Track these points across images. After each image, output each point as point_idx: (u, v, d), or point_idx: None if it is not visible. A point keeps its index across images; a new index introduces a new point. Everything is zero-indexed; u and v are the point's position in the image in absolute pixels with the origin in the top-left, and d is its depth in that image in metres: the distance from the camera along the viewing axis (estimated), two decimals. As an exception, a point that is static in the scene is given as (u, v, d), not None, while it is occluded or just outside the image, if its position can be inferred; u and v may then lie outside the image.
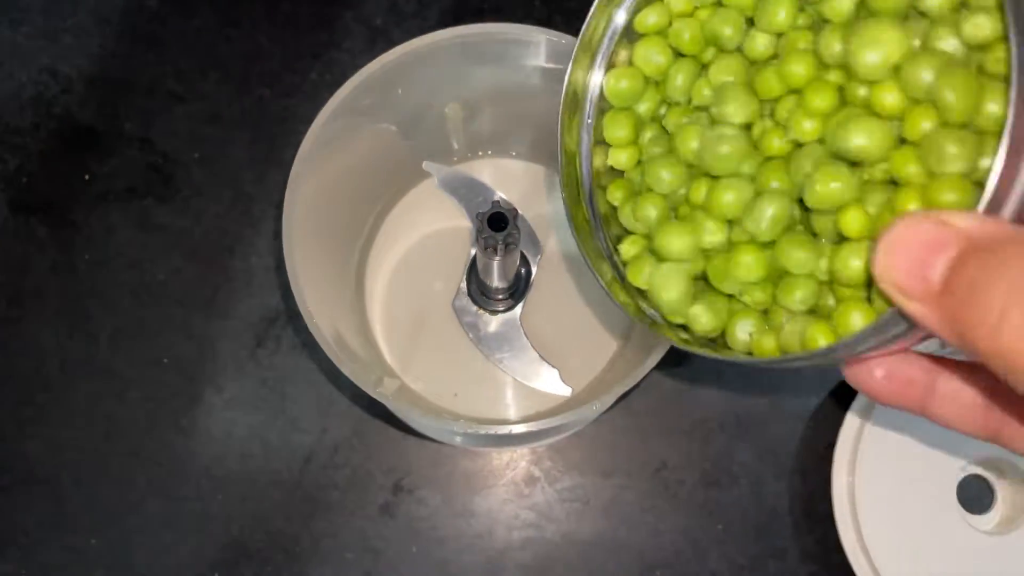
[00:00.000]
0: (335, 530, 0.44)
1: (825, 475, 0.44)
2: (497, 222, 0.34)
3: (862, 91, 0.23)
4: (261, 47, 0.49)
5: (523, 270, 0.44)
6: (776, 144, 0.25)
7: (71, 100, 0.48)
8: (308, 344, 0.45)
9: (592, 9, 0.27)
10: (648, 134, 0.28)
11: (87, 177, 0.48)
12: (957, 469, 0.43)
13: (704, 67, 0.27)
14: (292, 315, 0.46)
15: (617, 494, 0.44)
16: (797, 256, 0.24)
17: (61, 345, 0.46)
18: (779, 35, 0.25)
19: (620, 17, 0.28)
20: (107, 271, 0.47)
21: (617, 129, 0.28)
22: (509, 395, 0.44)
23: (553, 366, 0.43)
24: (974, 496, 0.44)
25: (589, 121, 0.28)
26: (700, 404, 0.45)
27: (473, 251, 0.44)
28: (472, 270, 0.43)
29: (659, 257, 0.26)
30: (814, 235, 0.25)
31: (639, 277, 0.27)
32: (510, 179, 0.46)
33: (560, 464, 0.45)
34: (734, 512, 0.44)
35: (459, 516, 0.44)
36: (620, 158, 0.28)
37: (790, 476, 0.45)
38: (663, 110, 0.28)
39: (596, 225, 0.29)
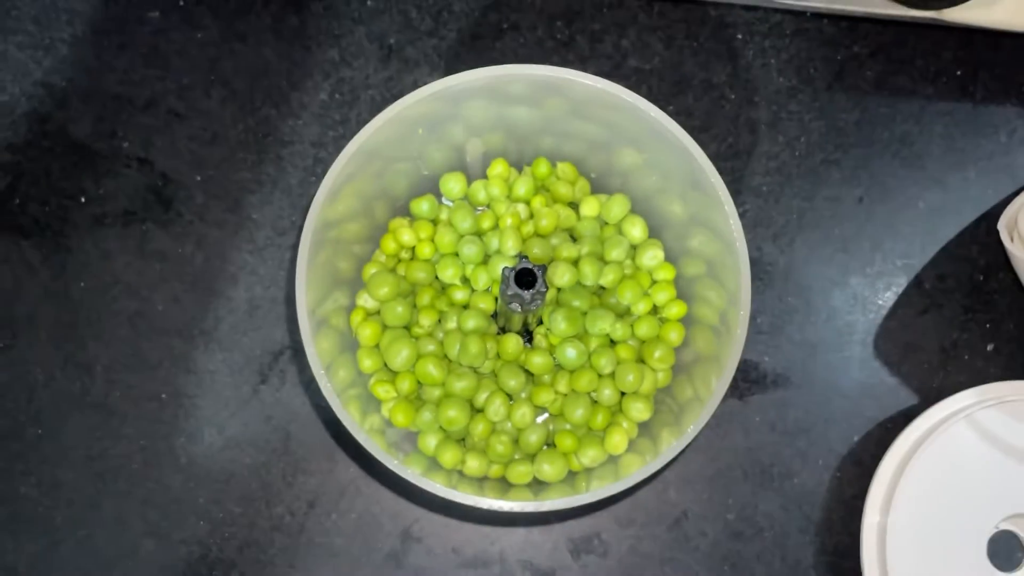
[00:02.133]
0: (340, 579, 0.42)
1: (851, 529, 0.43)
2: (524, 279, 0.32)
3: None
4: (268, 63, 0.47)
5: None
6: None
7: (66, 116, 0.46)
8: (314, 381, 0.43)
9: None
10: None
11: (83, 199, 0.45)
12: (990, 524, 0.41)
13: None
14: (297, 350, 0.44)
15: (635, 545, 0.43)
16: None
17: (53, 377, 0.44)
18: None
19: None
20: (103, 299, 0.44)
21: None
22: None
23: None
24: (1004, 552, 0.42)
25: None
26: (724, 451, 0.43)
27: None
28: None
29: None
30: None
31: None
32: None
33: (576, 512, 0.43)
34: (757, 566, 0.42)
35: (470, 566, 0.42)
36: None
37: (816, 529, 0.43)
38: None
39: None
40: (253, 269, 0.45)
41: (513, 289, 0.31)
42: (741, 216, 0.46)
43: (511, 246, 0.39)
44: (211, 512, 0.43)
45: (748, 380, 0.44)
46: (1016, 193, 0.45)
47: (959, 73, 0.47)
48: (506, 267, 0.32)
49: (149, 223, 0.45)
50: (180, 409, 0.43)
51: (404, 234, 0.40)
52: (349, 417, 0.33)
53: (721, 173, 0.38)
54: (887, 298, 0.45)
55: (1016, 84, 0.47)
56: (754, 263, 0.45)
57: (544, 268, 0.32)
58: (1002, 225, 0.44)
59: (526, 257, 0.33)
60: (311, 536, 0.42)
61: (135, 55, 0.47)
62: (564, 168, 0.41)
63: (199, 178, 0.45)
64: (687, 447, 0.43)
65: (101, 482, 0.43)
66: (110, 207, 0.45)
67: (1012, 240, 0.43)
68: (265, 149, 0.46)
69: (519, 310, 0.33)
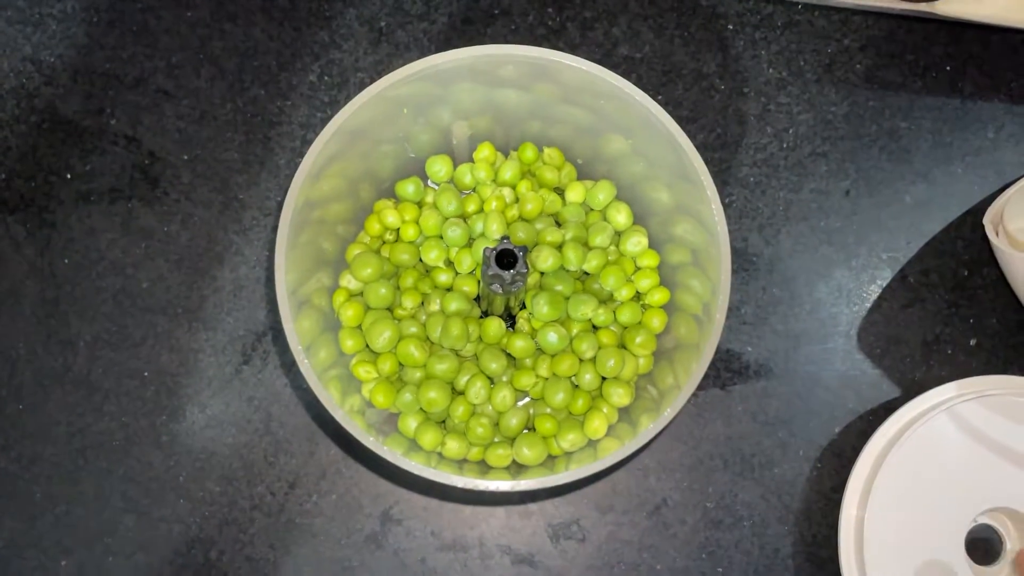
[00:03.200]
0: (319, 559, 0.42)
1: (830, 520, 0.43)
2: (505, 259, 0.32)
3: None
4: (258, 43, 0.47)
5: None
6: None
7: (54, 92, 0.46)
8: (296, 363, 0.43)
9: None
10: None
11: (69, 175, 0.45)
12: (968, 517, 0.41)
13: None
14: (280, 331, 0.43)
15: (614, 531, 0.43)
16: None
17: (36, 352, 0.43)
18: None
19: None
20: (87, 276, 0.44)
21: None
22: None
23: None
24: (982, 546, 0.43)
25: None
26: (705, 440, 0.43)
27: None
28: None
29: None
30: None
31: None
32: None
33: (555, 497, 0.43)
34: (735, 554, 0.43)
35: (449, 549, 0.42)
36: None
37: (794, 519, 0.43)
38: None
39: None
40: (239, 249, 0.45)
41: (494, 269, 0.31)
42: (727, 207, 0.46)
43: (495, 229, 0.39)
44: (191, 490, 0.43)
45: (731, 370, 0.44)
46: (1002, 189, 0.45)
47: (948, 68, 0.47)
48: (487, 247, 0.32)
49: (135, 201, 0.45)
50: (162, 387, 0.43)
51: (389, 215, 0.40)
52: (328, 396, 0.33)
53: (708, 163, 0.38)
54: (871, 291, 0.45)
55: (1005, 80, 0.47)
56: (739, 254, 0.45)
57: (525, 249, 0.32)
58: (987, 220, 0.44)
59: (508, 238, 0.33)
60: (291, 516, 0.42)
61: (125, 33, 0.46)
62: (551, 153, 0.41)
63: (186, 157, 0.45)
64: (666, 432, 0.43)
65: (82, 458, 0.43)
66: (96, 184, 0.45)
67: (997, 235, 0.43)
68: (253, 129, 0.46)
69: (500, 291, 0.33)
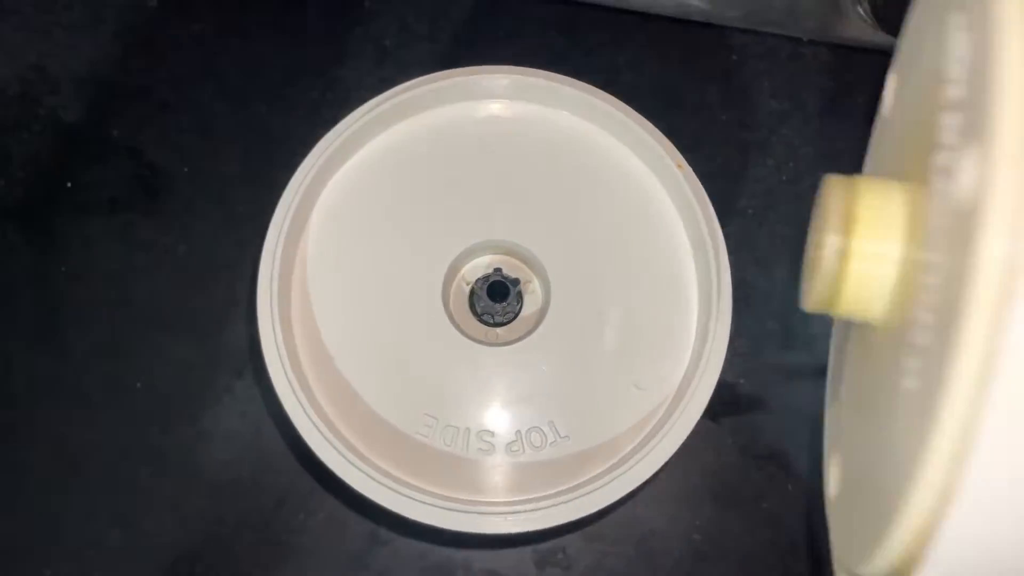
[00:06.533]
0: (304, 578, 0.42)
1: (816, 556, 0.43)
2: (496, 292, 0.32)
3: None
4: (263, 59, 0.47)
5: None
6: None
7: (57, 101, 0.46)
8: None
9: None
10: None
11: (69, 184, 0.45)
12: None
13: None
14: (275, 347, 0.44)
15: (600, 560, 0.43)
16: None
17: (29, 360, 0.44)
18: None
19: None
20: (84, 285, 0.44)
21: None
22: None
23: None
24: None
25: None
26: (694, 471, 0.43)
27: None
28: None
29: None
30: None
31: None
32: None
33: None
34: (721, 588, 0.42)
35: (434, 571, 0.42)
36: None
37: (780, 554, 0.43)
38: None
39: None
40: (235, 265, 0.45)
41: (484, 301, 0.31)
42: (725, 237, 0.46)
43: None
44: (179, 504, 0.42)
45: (723, 402, 0.44)
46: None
47: (951, 106, 0.47)
48: (478, 276, 0.32)
49: (134, 212, 0.45)
50: (154, 399, 0.43)
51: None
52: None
53: (708, 193, 0.38)
54: (866, 327, 0.45)
55: (1008, 121, 0.47)
56: (736, 286, 0.45)
57: (519, 282, 0.32)
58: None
59: (500, 268, 0.33)
60: (277, 534, 0.42)
61: (130, 44, 0.47)
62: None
63: (187, 169, 0.46)
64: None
65: (70, 469, 0.43)
66: (96, 194, 0.45)
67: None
68: (254, 144, 0.46)
69: (490, 323, 0.33)
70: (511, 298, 0.35)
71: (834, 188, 0.25)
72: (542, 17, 0.47)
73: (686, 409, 0.34)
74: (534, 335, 0.36)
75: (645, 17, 0.47)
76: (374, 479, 0.33)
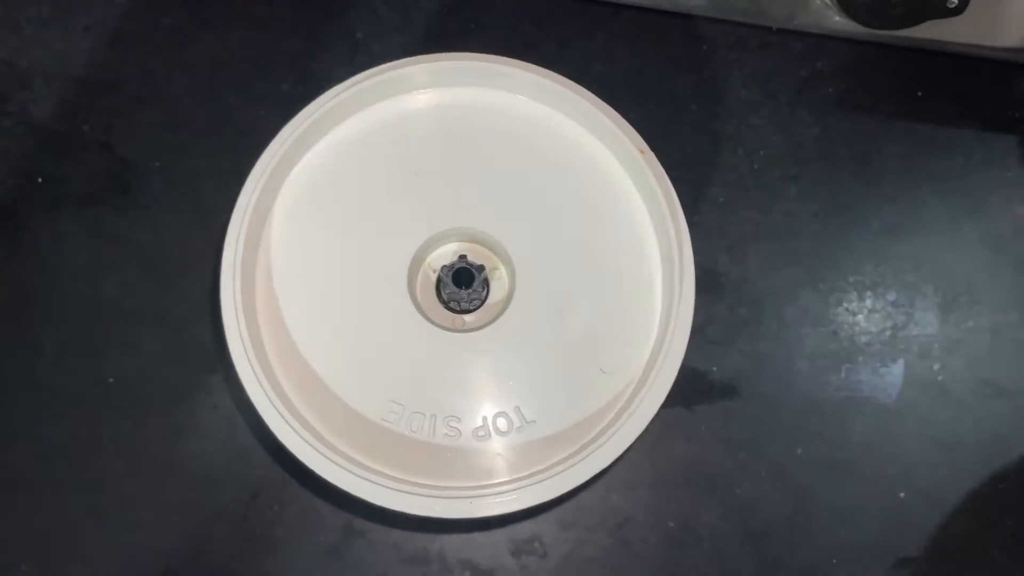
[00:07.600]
0: (280, 570, 0.42)
1: (791, 541, 0.43)
2: (462, 278, 0.32)
3: None
4: (233, 52, 0.47)
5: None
6: None
7: (28, 96, 0.46)
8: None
9: None
10: None
11: (40, 179, 0.45)
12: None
13: None
14: (248, 340, 0.44)
15: (576, 548, 0.43)
16: None
17: (1, 356, 0.43)
18: None
19: None
20: (55, 280, 0.44)
21: None
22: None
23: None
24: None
25: None
26: (668, 458, 0.44)
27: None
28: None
29: None
30: None
31: None
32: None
33: (517, 513, 0.43)
34: (695, 575, 0.43)
35: (409, 563, 0.42)
36: None
37: (754, 540, 0.43)
38: None
39: None
40: (207, 258, 0.45)
41: (451, 288, 0.32)
42: (696, 226, 0.46)
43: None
44: (153, 498, 0.42)
45: (696, 389, 0.44)
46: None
47: (920, 94, 0.47)
48: (444, 264, 0.32)
49: (106, 207, 0.45)
50: (127, 394, 0.43)
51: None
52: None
53: (679, 183, 0.38)
54: (837, 313, 0.45)
55: (976, 108, 0.47)
56: (707, 274, 0.45)
57: (483, 268, 0.32)
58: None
59: (465, 256, 0.33)
60: (252, 526, 0.42)
61: (100, 38, 0.46)
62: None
63: (158, 164, 0.45)
64: (629, 450, 0.43)
65: (43, 463, 0.42)
66: (67, 189, 0.45)
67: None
68: (226, 138, 0.46)
69: (457, 310, 0.33)
70: (476, 284, 0.35)
71: None
72: (513, 8, 0.47)
73: (651, 391, 0.34)
74: (500, 321, 0.36)
75: (616, 7, 0.48)
76: (339, 465, 0.33)
